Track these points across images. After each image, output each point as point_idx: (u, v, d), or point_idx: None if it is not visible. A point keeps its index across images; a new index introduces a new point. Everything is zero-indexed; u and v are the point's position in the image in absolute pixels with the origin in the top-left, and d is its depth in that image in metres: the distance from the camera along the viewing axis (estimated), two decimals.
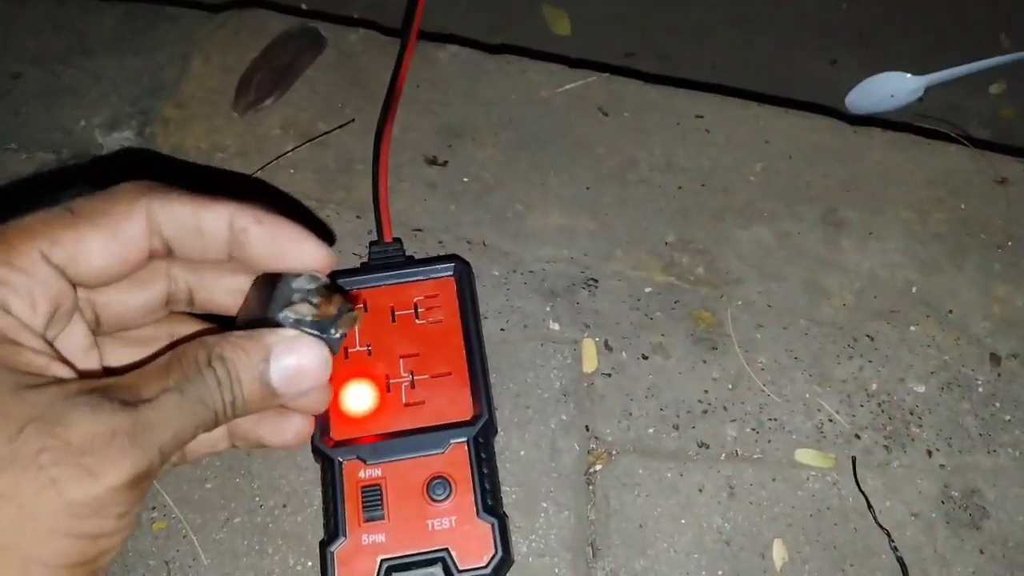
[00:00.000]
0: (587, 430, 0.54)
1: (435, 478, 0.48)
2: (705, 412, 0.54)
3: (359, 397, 0.50)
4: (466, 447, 0.49)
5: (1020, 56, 0.85)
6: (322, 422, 0.50)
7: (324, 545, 0.47)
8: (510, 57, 0.68)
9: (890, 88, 0.87)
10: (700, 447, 0.53)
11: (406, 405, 0.50)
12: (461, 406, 0.50)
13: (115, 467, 0.29)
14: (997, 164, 0.64)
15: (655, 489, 0.52)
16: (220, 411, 0.33)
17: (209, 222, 0.35)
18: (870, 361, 0.56)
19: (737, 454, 0.53)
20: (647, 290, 0.58)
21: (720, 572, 0.50)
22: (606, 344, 0.56)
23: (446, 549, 0.47)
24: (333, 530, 0.47)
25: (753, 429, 0.54)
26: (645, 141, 0.64)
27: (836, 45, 1.01)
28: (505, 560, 0.47)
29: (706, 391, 0.55)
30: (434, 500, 0.47)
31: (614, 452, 0.53)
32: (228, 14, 0.72)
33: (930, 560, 0.51)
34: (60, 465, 0.28)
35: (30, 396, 0.29)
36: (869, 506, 0.52)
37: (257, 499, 0.53)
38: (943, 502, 0.52)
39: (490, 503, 0.48)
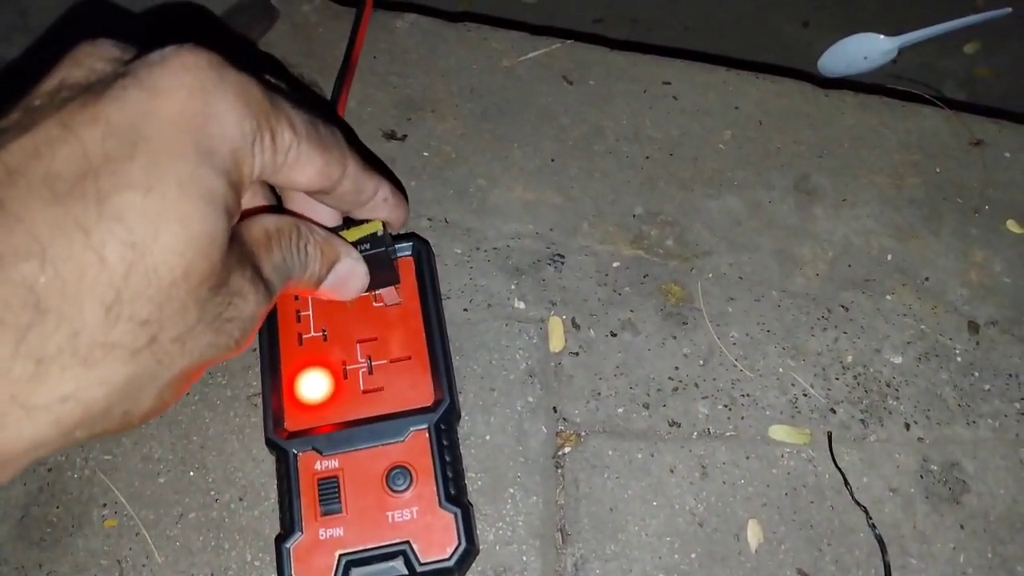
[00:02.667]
0: (555, 411, 0.51)
1: (394, 468, 0.45)
2: (676, 390, 0.52)
3: (314, 385, 0.48)
4: (427, 434, 0.46)
5: (994, 14, 0.83)
6: (275, 413, 0.47)
7: (280, 541, 0.45)
8: (471, 25, 0.65)
9: (863, 50, 0.85)
10: (671, 426, 0.51)
11: (364, 392, 0.48)
12: (421, 392, 0.48)
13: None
14: (972, 125, 0.62)
15: (625, 471, 0.50)
16: (291, 276, 0.37)
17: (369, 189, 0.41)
18: (845, 332, 0.54)
19: (709, 432, 0.51)
20: (615, 265, 0.56)
21: (694, 555, 0.48)
22: (573, 322, 0.54)
23: (407, 542, 0.44)
24: (289, 525, 0.45)
25: (725, 406, 0.51)
26: (611, 110, 0.62)
27: (808, 6, 0.98)
28: (469, 551, 0.45)
29: (677, 368, 0.53)
30: (394, 491, 0.45)
31: (583, 433, 0.51)
32: None
33: (909, 537, 0.49)
34: None
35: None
36: (846, 482, 0.50)
37: (212, 493, 0.50)
38: (922, 476, 0.50)
39: (453, 492, 0.45)
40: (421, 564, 0.44)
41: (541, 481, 0.50)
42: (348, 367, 0.49)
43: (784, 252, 0.56)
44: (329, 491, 0.45)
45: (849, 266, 0.56)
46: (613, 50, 0.65)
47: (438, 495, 0.45)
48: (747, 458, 0.50)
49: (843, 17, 0.95)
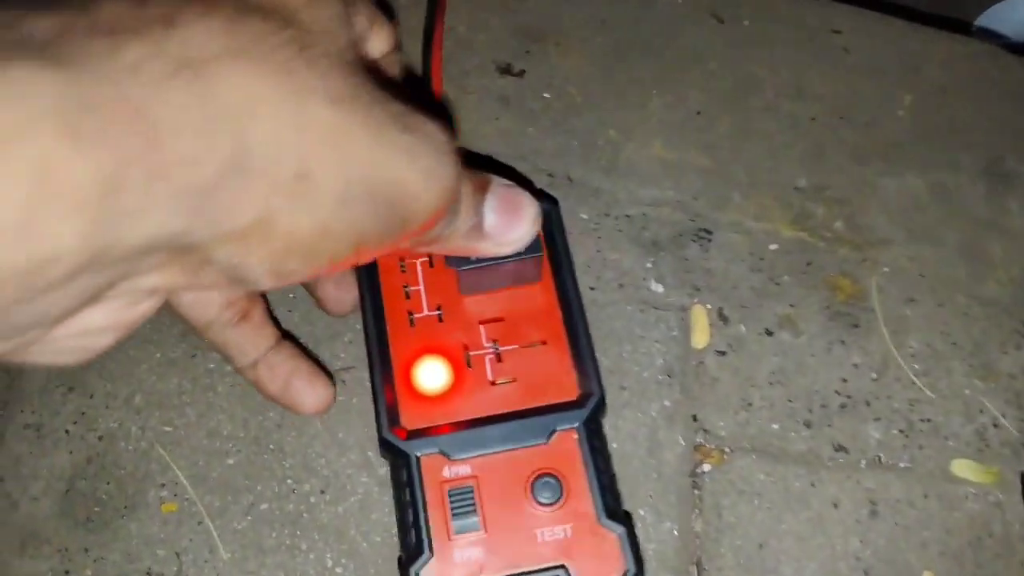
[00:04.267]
0: (695, 420, 0.44)
1: (540, 476, 0.38)
2: (844, 407, 0.44)
3: (433, 374, 0.40)
4: (575, 435, 0.39)
5: None
6: (389, 407, 0.40)
7: (405, 565, 0.37)
8: None
9: None
10: (837, 451, 0.43)
11: (492, 383, 0.40)
12: (564, 383, 0.40)
13: None
14: None
15: (779, 500, 0.42)
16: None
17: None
18: None
19: (881, 461, 0.43)
20: (772, 247, 0.48)
21: None
22: (720, 313, 0.46)
23: (563, 566, 0.37)
24: (415, 546, 0.38)
25: (901, 431, 0.44)
26: (770, 58, 0.53)
27: None
28: None
29: (845, 380, 0.45)
30: (541, 504, 0.38)
31: (728, 450, 0.43)
32: None
33: None
34: None
35: None
36: None
37: (289, 482, 0.43)
38: None
39: (612, 505, 0.38)
40: None
41: (676, 503, 0.42)
42: (471, 353, 0.41)
43: (973, 249, 0.48)
44: (463, 503, 0.37)
45: None
46: None
47: (596, 509, 0.37)
48: (925, 497, 0.43)
49: None
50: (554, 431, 0.39)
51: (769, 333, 0.46)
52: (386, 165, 0.26)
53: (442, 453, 0.38)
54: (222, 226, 0.24)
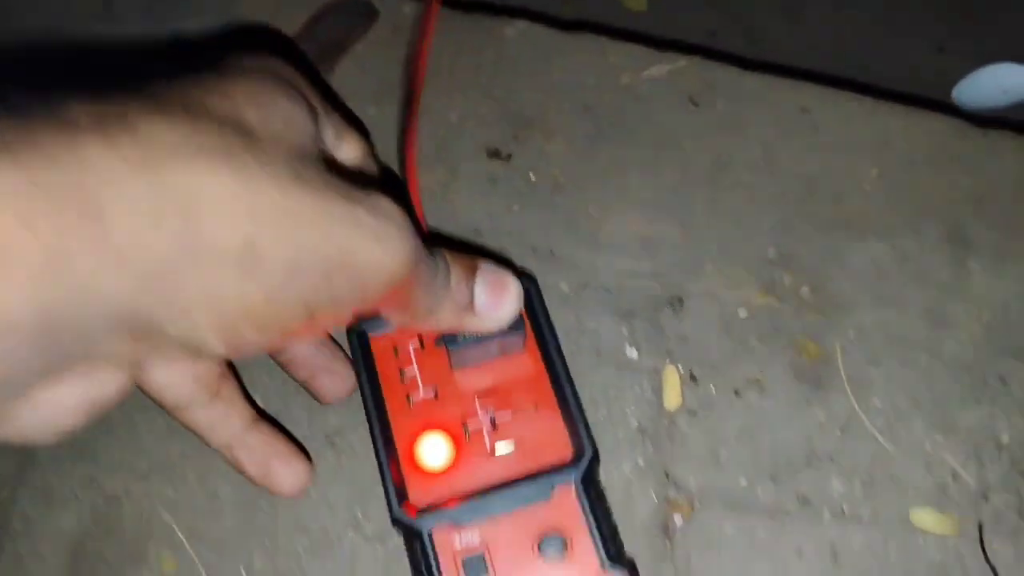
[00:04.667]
0: (667, 476, 0.51)
1: (546, 534, 0.45)
2: (808, 462, 0.51)
3: (435, 450, 0.47)
4: (573, 491, 0.45)
5: None
6: (397, 487, 0.46)
7: None
8: (587, 35, 0.65)
9: (1002, 81, 0.82)
10: (801, 503, 0.50)
11: (492, 452, 0.47)
12: (558, 444, 0.47)
13: None
14: None
15: (746, 550, 0.49)
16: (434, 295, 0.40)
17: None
18: (1002, 408, 0.52)
19: (844, 512, 0.50)
20: (742, 314, 0.55)
21: None
22: (692, 375, 0.53)
23: None
24: None
25: (863, 484, 0.50)
26: (742, 137, 0.61)
27: (943, 30, 0.96)
28: None
29: (810, 437, 0.51)
30: (549, 559, 0.44)
31: (698, 503, 0.50)
32: None
33: None
34: None
35: None
36: None
37: (280, 539, 0.50)
38: None
39: (612, 551, 0.45)
40: None
41: (649, 553, 0.49)
42: (469, 425, 0.48)
43: (935, 311, 0.55)
44: (477, 570, 0.44)
45: (1008, 332, 0.54)
46: (744, 70, 0.64)
47: (599, 556, 0.44)
48: (885, 545, 0.49)
49: (981, 43, 0.93)
50: (554, 489, 0.45)
51: (737, 394, 0.52)
52: (334, 235, 0.31)
53: (451, 524, 0.45)
54: (173, 302, 0.28)
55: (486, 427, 0.48)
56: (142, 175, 0.26)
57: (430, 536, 0.45)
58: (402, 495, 0.46)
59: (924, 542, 0.49)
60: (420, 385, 0.49)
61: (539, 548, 0.44)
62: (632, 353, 0.54)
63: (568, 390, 0.48)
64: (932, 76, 0.90)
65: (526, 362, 0.49)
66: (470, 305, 0.42)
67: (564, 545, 0.44)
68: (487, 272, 0.43)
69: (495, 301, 0.43)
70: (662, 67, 0.63)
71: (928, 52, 0.96)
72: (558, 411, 0.48)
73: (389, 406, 0.49)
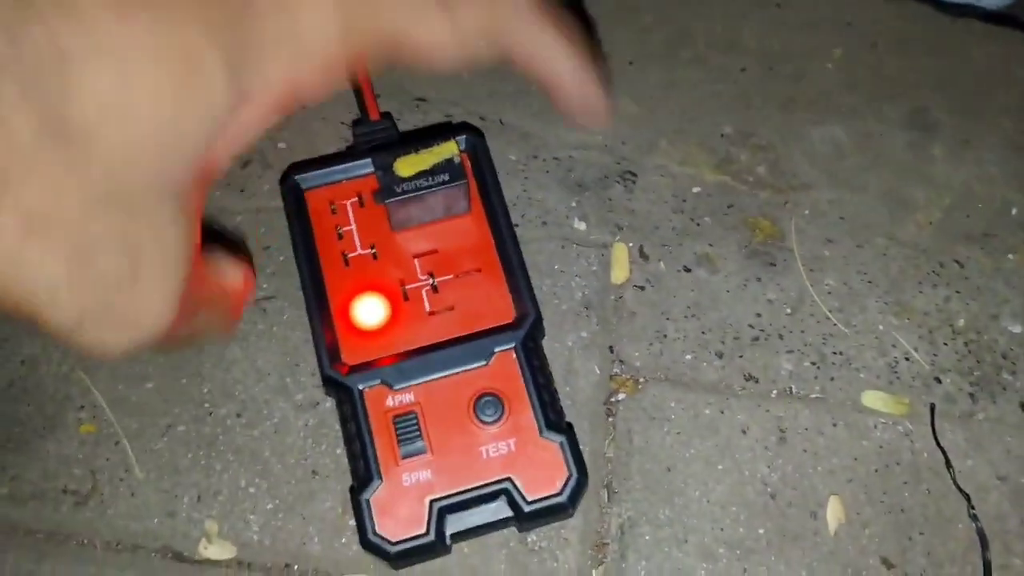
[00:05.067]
0: (611, 351, 0.45)
1: (482, 396, 0.39)
2: (756, 339, 0.46)
3: (372, 310, 0.42)
4: (514, 354, 0.40)
5: None
6: (328, 346, 0.41)
7: (356, 492, 0.39)
8: None
9: None
10: (747, 380, 0.45)
11: (431, 313, 0.42)
12: (500, 307, 0.42)
13: None
14: None
15: (689, 426, 0.44)
16: None
17: None
18: (958, 292, 0.47)
19: (792, 392, 0.45)
20: (695, 190, 0.49)
21: (762, 530, 0.42)
22: (641, 251, 0.47)
23: (508, 479, 0.39)
24: (365, 473, 0.39)
25: (813, 363, 0.45)
26: (703, 12, 0.55)
27: None
28: (581, 482, 0.39)
29: (759, 315, 0.46)
30: (484, 423, 0.39)
31: (642, 380, 0.45)
32: None
33: (1015, 533, 0.43)
34: None
35: None
36: (947, 464, 0.43)
37: (206, 406, 0.44)
38: None
39: (552, 417, 0.40)
40: (528, 503, 0.38)
41: (589, 429, 0.44)
42: (408, 286, 0.42)
43: (894, 194, 0.50)
44: (408, 429, 0.39)
45: (967, 217, 0.49)
46: None
47: (537, 422, 0.39)
48: (834, 425, 0.44)
49: None
50: (493, 352, 0.40)
51: (687, 270, 0.47)
52: None
53: (384, 383, 0.40)
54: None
55: (425, 288, 0.43)
56: None
57: (361, 394, 0.40)
58: (335, 354, 0.41)
59: (874, 423, 0.44)
60: (358, 244, 0.44)
61: (475, 410, 0.39)
62: (580, 226, 0.48)
63: (513, 252, 0.43)
64: None
65: (471, 224, 0.44)
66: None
67: (502, 409, 0.39)
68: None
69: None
70: None
71: None
72: (501, 274, 0.43)
73: (324, 263, 0.43)
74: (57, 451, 0.44)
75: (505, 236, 0.43)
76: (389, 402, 0.40)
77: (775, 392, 0.45)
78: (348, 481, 0.40)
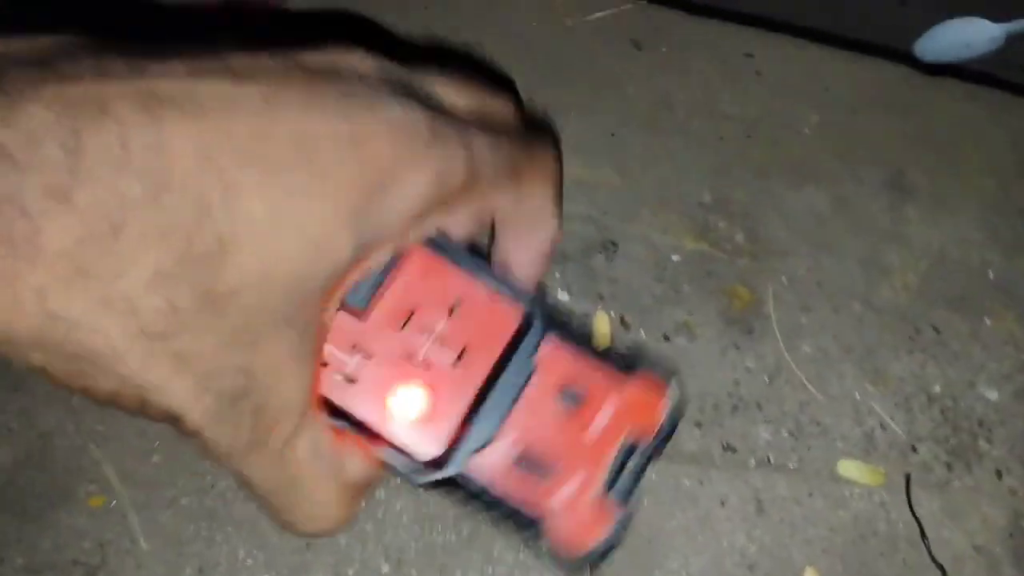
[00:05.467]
0: None
1: (560, 391, 0.35)
2: (735, 408, 0.44)
3: (407, 401, 0.36)
4: (550, 343, 0.35)
5: None
6: (401, 464, 0.36)
7: (534, 543, 0.34)
8: None
9: (966, 35, 0.74)
10: (726, 450, 0.43)
11: (455, 365, 0.36)
12: (504, 318, 0.36)
13: None
14: None
15: (669, 497, 0.42)
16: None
17: None
18: (934, 358, 0.45)
19: (770, 461, 0.43)
20: (675, 258, 0.48)
21: None
22: (622, 320, 0.46)
23: (628, 431, 0.34)
24: (526, 524, 0.34)
25: (791, 432, 0.43)
26: (684, 81, 0.53)
27: None
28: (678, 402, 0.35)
29: (737, 383, 0.44)
30: (577, 408, 0.34)
31: None
32: None
33: None
34: None
35: None
36: (923, 534, 0.41)
37: (208, 478, 0.43)
38: (1012, 535, 0.42)
39: (621, 363, 0.34)
40: (655, 436, 0.34)
41: None
42: (418, 357, 0.37)
43: (871, 259, 0.48)
44: (529, 467, 0.35)
45: (944, 280, 0.47)
46: (690, 15, 0.56)
47: (617, 372, 0.35)
48: (810, 495, 0.42)
49: None
50: (533, 355, 0.36)
51: (667, 338, 0.45)
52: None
53: (476, 452, 0.36)
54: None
55: (431, 348, 0.38)
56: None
57: (465, 476, 0.33)
58: (411, 463, 0.37)
59: (850, 493, 0.42)
60: (346, 358, 0.39)
61: (564, 406, 0.35)
62: (563, 296, 0.47)
63: (483, 269, 0.37)
64: (894, 29, 0.82)
65: (417, 265, 0.38)
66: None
67: (580, 386, 0.35)
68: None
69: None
70: (605, 11, 0.55)
71: (891, 3, 0.87)
72: (481, 290, 0.37)
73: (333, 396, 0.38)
74: (68, 522, 0.43)
75: (466, 261, 0.38)
76: (492, 458, 0.36)
77: (753, 462, 0.43)
78: (339, 553, 0.39)
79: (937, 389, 0.44)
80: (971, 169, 0.50)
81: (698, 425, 0.43)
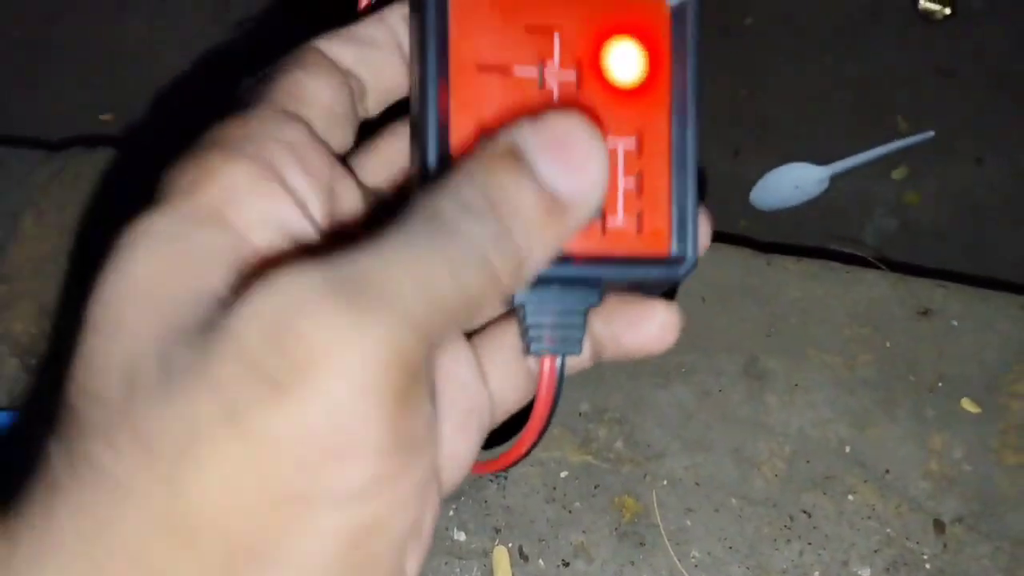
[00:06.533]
0: None
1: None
2: None
3: (626, 59, 0.24)
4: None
5: (918, 139, 0.80)
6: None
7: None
8: None
9: (795, 179, 0.80)
10: None
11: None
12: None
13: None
14: (918, 292, 0.57)
15: None
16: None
17: None
18: (809, 543, 0.49)
19: None
20: (563, 475, 0.50)
21: None
22: (520, 552, 0.48)
23: None
24: None
25: None
26: None
27: (737, 134, 0.93)
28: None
29: None
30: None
31: None
32: (68, 155, 0.60)
33: None
34: None
35: None
36: None
37: None
38: None
39: None
40: None
41: None
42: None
43: (740, 451, 0.51)
44: None
45: (808, 462, 0.51)
46: None
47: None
48: None
49: (773, 145, 0.90)
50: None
51: (566, 564, 0.47)
52: None
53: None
54: None
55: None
56: None
57: None
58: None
59: None
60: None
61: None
62: (460, 536, 0.48)
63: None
64: (730, 179, 0.88)
65: None
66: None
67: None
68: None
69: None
70: None
71: (724, 156, 0.92)
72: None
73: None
74: None
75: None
76: None
77: None
78: None
79: (816, 574, 0.48)
80: (817, 348, 0.55)
81: None
